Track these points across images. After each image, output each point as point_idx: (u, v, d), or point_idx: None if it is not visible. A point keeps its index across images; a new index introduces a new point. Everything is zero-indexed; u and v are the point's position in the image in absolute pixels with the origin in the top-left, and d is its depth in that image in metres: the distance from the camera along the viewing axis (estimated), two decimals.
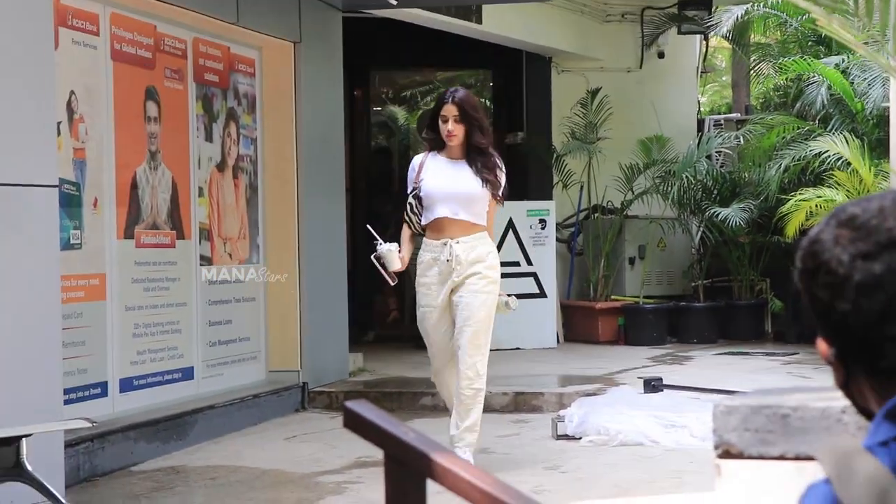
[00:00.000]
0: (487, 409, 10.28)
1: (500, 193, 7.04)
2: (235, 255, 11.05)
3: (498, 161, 6.91)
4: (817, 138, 12.68)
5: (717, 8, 15.11)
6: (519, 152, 15.56)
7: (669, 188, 14.68)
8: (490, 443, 9.20)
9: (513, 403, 10.91)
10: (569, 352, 14.01)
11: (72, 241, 8.78)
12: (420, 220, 6.92)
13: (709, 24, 15.31)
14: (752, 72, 18.20)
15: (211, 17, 10.32)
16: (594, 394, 10.72)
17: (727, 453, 3.02)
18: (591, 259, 15.19)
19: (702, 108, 18.90)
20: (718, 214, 14.06)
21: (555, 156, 14.98)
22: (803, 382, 11.01)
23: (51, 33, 7.84)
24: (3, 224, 7.44)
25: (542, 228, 14.30)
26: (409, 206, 6.92)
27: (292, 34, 11.24)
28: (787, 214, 12.14)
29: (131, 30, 9.34)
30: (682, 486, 7.80)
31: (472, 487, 2.42)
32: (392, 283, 7.20)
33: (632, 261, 15.43)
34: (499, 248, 13.43)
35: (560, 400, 10.66)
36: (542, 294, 14.23)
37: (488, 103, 17.44)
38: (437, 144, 6.97)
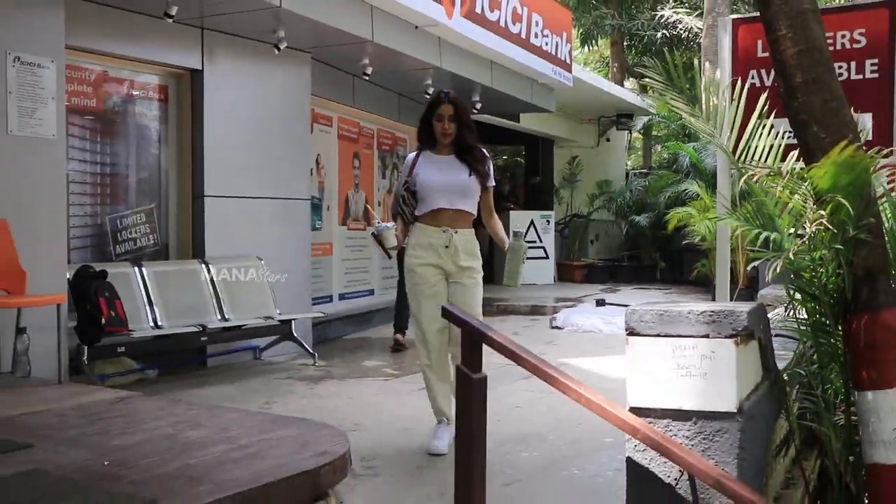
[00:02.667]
0: (516, 312, 13.02)
1: (488, 183, 5.41)
2: None
3: (485, 152, 5.42)
4: (683, 182, 15.54)
5: (635, 116, 18.51)
6: (537, 186, 18.97)
7: (611, 205, 18.66)
8: (518, 329, 10.96)
9: (530, 310, 13.15)
10: (559, 286, 16.71)
11: (316, 226, 10.15)
12: (413, 212, 5.35)
13: (631, 125, 18.69)
14: (652, 149, 21.04)
15: (386, 118, 12.10)
16: (571, 305, 12.89)
17: (632, 332, 3.06)
18: (571, 240, 18.95)
19: (627, 166, 21.19)
20: (635, 220, 17.84)
21: (555, 188, 18.88)
22: (671, 300, 12.24)
23: (308, 126, 9.37)
24: (288, 218, 8.95)
25: (548, 224, 17.20)
26: (401, 199, 5.41)
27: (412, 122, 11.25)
28: (668, 220, 13.96)
29: (347, 124, 11.07)
30: (611, 351, 8.83)
31: (507, 349, 2.90)
32: (388, 259, 5.96)
33: (591, 241, 19.08)
34: (525, 235, 17.88)
35: (554, 308, 12.70)
36: (547, 257, 17.09)
37: (522, 162, 20.33)
38: (429, 143, 5.38)
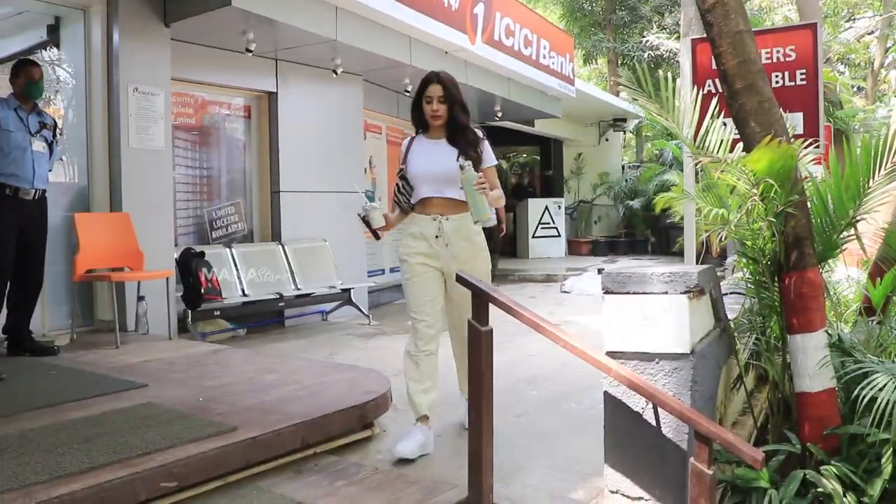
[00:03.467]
0: (532, 280, 12.99)
1: (482, 166, 3.95)
2: None
3: (479, 134, 4.06)
4: (667, 173, 15.36)
5: (628, 120, 18.33)
6: (550, 177, 18.78)
7: (610, 192, 18.29)
8: (535, 294, 10.87)
9: (544, 278, 13.05)
10: (569, 259, 16.35)
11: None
12: (409, 200, 4.07)
13: (625, 127, 18.51)
14: (643, 146, 20.62)
15: None
16: (578, 274, 12.40)
17: (607, 291, 3.03)
18: (578, 221, 18.54)
19: (623, 160, 20.79)
20: (629, 204, 17.74)
21: (564, 179, 18.62)
22: (652, 264, 12.05)
23: (361, 133, 9.24)
24: (346, 207, 8.29)
25: (559, 208, 16.83)
26: (396, 187, 4.15)
27: None
28: (655, 203, 15.34)
29: (393, 131, 10.82)
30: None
31: (508, 307, 2.91)
32: (377, 240, 4.39)
33: (595, 222, 18.79)
34: (539, 220, 16.61)
35: (564, 276, 12.49)
36: (559, 235, 16.74)
37: (538, 159, 19.70)
38: (423, 126, 4.09)
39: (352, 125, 9.14)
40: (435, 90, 3.86)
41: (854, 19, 19.15)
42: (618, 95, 18.01)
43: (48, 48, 6.82)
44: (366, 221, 3.97)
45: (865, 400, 2.99)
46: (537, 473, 3.56)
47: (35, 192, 5.15)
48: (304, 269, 8.15)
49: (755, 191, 3.04)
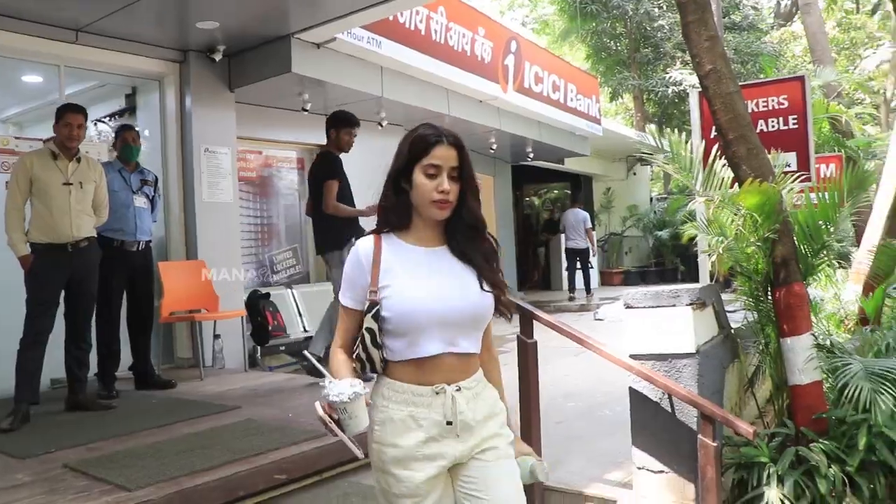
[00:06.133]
0: (567, 310, 13.44)
1: (504, 298, 2.17)
2: None
3: (495, 240, 2.26)
4: (692, 204, 16.96)
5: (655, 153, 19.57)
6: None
7: (639, 224, 18.89)
8: (570, 321, 11.92)
9: (579, 308, 13.73)
10: (602, 289, 16.59)
11: None
12: (383, 357, 2.08)
13: (651, 162, 19.39)
14: (671, 178, 20.44)
15: None
16: (610, 303, 12.63)
17: (629, 307, 3.68)
18: (610, 253, 18.96)
19: (652, 192, 21.45)
20: (658, 234, 18.37)
21: (594, 213, 18.50)
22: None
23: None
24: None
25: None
26: (368, 336, 2.06)
27: (489, 172, 13.98)
28: (682, 233, 15.75)
29: None
30: None
31: (551, 324, 3.88)
32: (360, 459, 2.08)
33: (626, 253, 19.29)
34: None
35: (597, 305, 13.21)
36: (592, 267, 16.05)
37: (569, 193, 19.33)
38: (400, 219, 2.15)
39: None
40: (446, 156, 2.10)
41: (877, 47, 19.70)
42: (644, 130, 18.69)
43: (127, 114, 7.79)
44: (336, 419, 1.94)
45: (847, 390, 3.72)
46: (577, 464, 4.30)
47: (138, 244, 6.03)
48: None
49: (740, 221, 3.79)
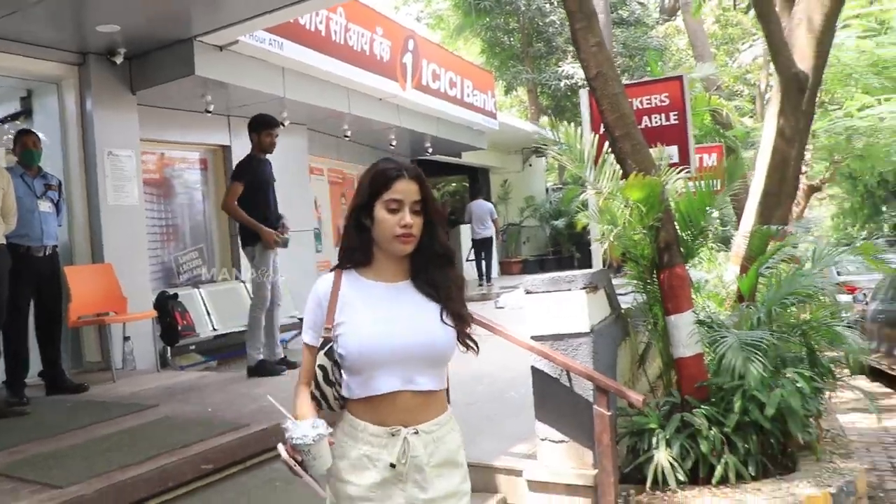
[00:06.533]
0: (469, 300, 12.79)
1: (468, 332, 2.16)
2: None
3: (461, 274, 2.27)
4: (585, 194, 17.48)
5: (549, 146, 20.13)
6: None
7: (536, 214, 19.44)
8: (473, 310, 13.80)
9: (480, 297, 13.17)
10: (502, 278, 17.01)
11: (318, 249, 11.02)
12: (339, 395, 2.07)
13: (546, 154, 20.25)
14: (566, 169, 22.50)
15: (363, 165, 14.74)
16: (510, 291, 12.36)
17: (528, 292, 4.01)
18: (508, 243, 19.51)
19: (547, 183, 21.99)
20: (554, 224, 18.97)
21: (493, 204, 17.85)
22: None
23: (307, 177, 10.36)
24: (299, 245, 8.59)
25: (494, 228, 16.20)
26: (320, 373, 2.05)
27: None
28: (578, 222, 13.24)
29: (335, 172, 12.05)
30: None
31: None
32: (324, 497, 2.09)
33: (524, 242, 19.73)
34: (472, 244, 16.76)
35: (498, 293, 12.84)
36: (493, 256, 16.36)
37: (467, 186, 20.00)
38: (360, 255, 2.13)
39: (299, 170, 10.08)
40: (407, 190, 2.07)
41: (752, 42, 20.74)
42: (538, 122, 19.28)
43: (22, 118, 7.69)
44: (299, 461, 1.93)
45: (725, 360, 4.16)
46: (488, 442, 4.62)
47: (45, 249, 6.02)
48: None
49: (628, 211, 4.19)
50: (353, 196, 2.16)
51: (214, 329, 8.38)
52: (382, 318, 2.06)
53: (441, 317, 2.09)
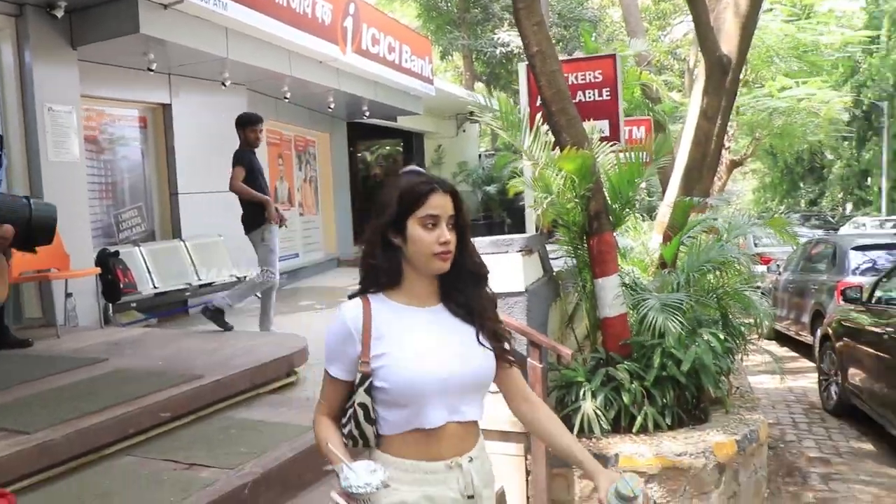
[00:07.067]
0: None
1: (508, 350, 2.04)
2: (307, 209, 13.73)
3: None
4: (517, 161, 17.61)
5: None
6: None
7: (469, 179, 19.95)
8: None
9: None
10: None
11: None
12: (376, 432, 1.91)
13: (480, 119, 20.69)
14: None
15: (300, 127, 13.34)
16: None
17: None
18: None
19: (480, 149, 22.59)
20: (487, 189, 19.72)
21: (426, 170, 18.97)
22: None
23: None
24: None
25: None
26: (361, 412, 1.89)
27: (326, 129, 14.29)
28: (509, 189, 16.72)
29: (273, 134, 12.06)
30: None
31: None
32: None
33: None
34: None
35: None
36: None
37: (401, 150, 20.02)
38: (389, 277, 1.94)
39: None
40: (443, 205, 1.94)
41: (684, 17, 21.27)
42: (473, 88, 19.58)
43: None
44: None
45: (646, 320, 4.58)
46: None
47: None
48: (204, 261, 9.21)
49: (561, 181, 4.55)
50: (376, 213, 1.96)
51: (155, 287, 8.50)
52: (427, 347, 1.90)
53: (478, 339, 1.97)
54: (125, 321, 8.17)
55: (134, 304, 8.18)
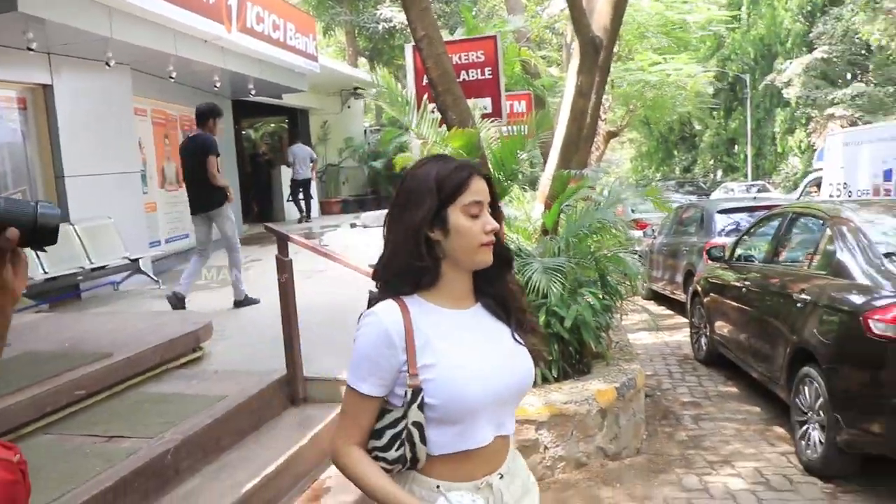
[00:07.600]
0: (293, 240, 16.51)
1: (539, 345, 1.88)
2: None
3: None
4: (403, 136, 15.13)
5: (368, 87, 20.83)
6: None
7: (355, 155, 20.21)
8: (299, 249, 13.22)
9: (304, 236, 13.62)
10: (322, 218, 17.62)
11: (144, 191, 10.91)
12: (416, 454, 1.65)
13: (364, 94, 19.52)
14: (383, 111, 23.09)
15: (185, 106, 13.79)
16: (333, 229, 13.38)
17: (364, 226, 7.36)
18: (328, 183, 20.16)
19: (366, 124, 22.67)
20: (373, 164, 19.95)
21: (312, 146, 18.96)
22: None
23: (131, 118, 10.24)
24: (125, 186, 9.76)
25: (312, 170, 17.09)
26: (416, 432, 1.64)
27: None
28: (395, 163, 15.22)
29: (158, 113, 11.86)
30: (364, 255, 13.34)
31: (311, 247, 6.66)
32: None
33: (343, 183, 20.49)
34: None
35: (321, 232, 13.32)
36: (312, 197, 17.35)
37: (286, 127, 20.28)
38: (431, 277, 1.71)
39: (123, 111, 10.06)
40: (483, 191, 1.74)
41: None
42: (356, 65, 19.74)
43: None
44: None
45: (531, 282, 5.02)
46: (328, 360, 5.27)
47: None
48: (94, 244, 9.12)
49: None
50: (409, 208, 1.71)
51: (45, 272, 8.42)
52: (475, 356, 1.71)
53: (514, 338, 1.79)
54: (15, 308, 8.05)
55: (24, 291, 8.05)
